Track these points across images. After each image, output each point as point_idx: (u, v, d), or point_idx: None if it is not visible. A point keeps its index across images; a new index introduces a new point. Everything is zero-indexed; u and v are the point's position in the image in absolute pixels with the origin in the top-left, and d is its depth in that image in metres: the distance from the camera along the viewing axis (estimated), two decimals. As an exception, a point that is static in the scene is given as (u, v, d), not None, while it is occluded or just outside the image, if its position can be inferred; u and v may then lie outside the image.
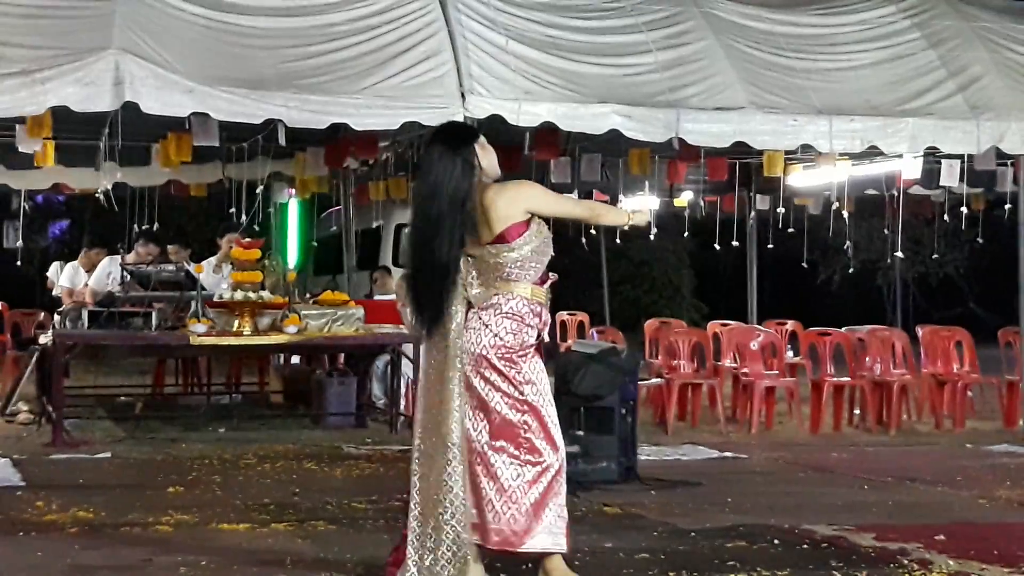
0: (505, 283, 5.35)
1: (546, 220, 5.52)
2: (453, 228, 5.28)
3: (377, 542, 6.45)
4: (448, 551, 5.26)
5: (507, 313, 5.32)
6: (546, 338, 5.45)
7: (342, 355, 12.69)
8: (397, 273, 14.04)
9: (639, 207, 5.89)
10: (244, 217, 13.66)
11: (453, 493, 5.26)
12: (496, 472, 5.30)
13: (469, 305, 5.36)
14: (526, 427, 5.31)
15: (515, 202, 5.34)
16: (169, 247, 13.21)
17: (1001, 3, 12.56)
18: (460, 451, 5.28)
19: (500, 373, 5.30)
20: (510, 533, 5.29)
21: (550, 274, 5.51)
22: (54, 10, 9.80)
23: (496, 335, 5.30)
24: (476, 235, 5.34)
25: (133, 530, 6.74)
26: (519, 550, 5.32)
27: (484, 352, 5.30)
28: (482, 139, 5.47)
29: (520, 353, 5.33)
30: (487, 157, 5.42)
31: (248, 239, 11.61)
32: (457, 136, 5.50)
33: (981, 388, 13.06)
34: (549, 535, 5.32)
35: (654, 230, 15.95)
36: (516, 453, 5.31)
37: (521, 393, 5.32)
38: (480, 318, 5.33)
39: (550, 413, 5.38)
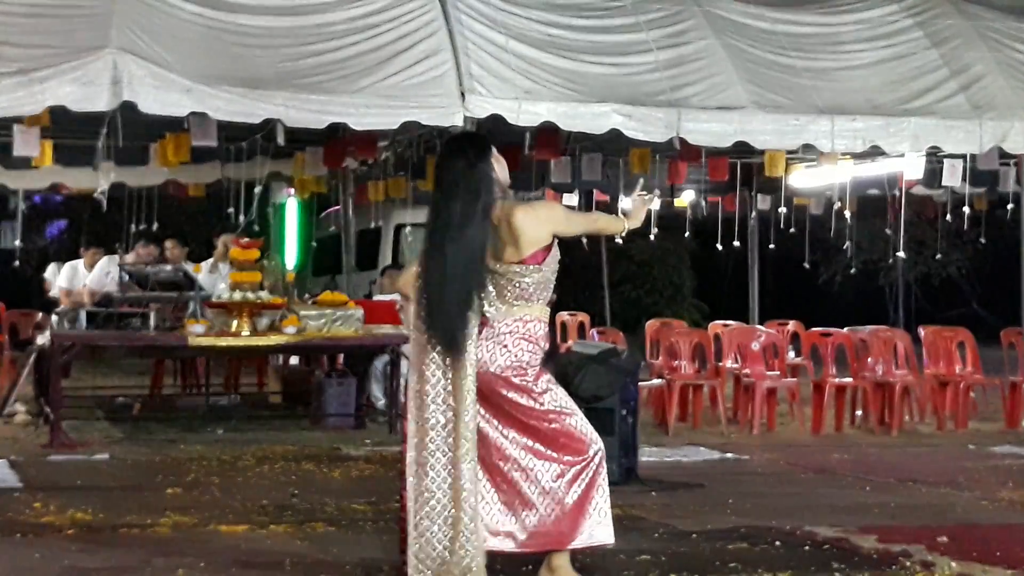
0: (526, 304, 5.34)
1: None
2: (477, 243, 5.21)
3: (376, 543, 6.42)
4: (463, 563, 5.20)
5: (526, 335, 5.31)
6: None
7: (341, 356, 12.65)
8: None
9: (632, 204, 5.75)
10: (243, 217, 13.64)
11: (469, 504, 5.19)
12: (536, 475, 5.29)
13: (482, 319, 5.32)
14: (555, 433, 5.32)
15: (544, 225, 5.33)
16: (167, 242, 13.16)
17: (1004, 2, 12.53)
18: (473, 465, 5.22)
19: (519, 389, 5.29)
20: (558, 533, 5.30)
21: (552, 295, 5.52)
22: (52, 9, 9.78)
23: (514, 356, 5.29)
24: (496, 251, 5.30)
25: (131, 532, 6.71)
26: (569, 547, 5.32)
27: (500, 372, 5.28)
28: (494, 150, 5.43)
29: (533, 367, 5.33)
30: (501, 168, 5.40)
31: (247, 239, 11.58)
32: (475, 147, 5.41)
33: (983, 389, 13.02)
34: (598, 527, 5.34)
35: (654, 230, 15.93)
36: (554, 455, 5.31)
37: (542, 404, 5.32)
38: (497, 337, 5.29)
39: (574, 410, 5.39)
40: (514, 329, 5.30)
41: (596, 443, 5.36)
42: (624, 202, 15.33)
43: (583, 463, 5.31)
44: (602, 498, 5.35)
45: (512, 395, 5.30)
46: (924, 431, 12.09)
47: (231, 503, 7.59)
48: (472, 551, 5.20)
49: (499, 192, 5.34)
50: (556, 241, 5.40)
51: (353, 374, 11.97)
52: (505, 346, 5.29)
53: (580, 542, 5.33)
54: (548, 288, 5.40)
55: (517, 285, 5.32)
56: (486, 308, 5.29)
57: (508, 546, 5.31)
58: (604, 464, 5.38)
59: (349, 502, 7.61)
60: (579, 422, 5.37)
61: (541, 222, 5.33)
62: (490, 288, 5.32)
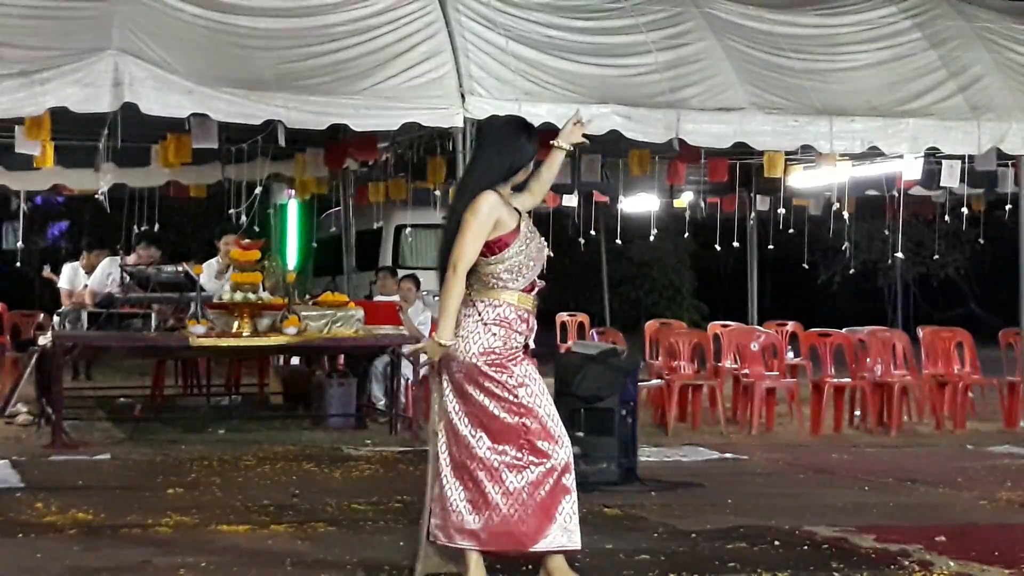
0: (491, 290, 5.36)
1: (545, 225, 5.55)
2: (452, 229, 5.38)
3: (377, 543, 6.44)
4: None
5: (495, 320, 5.33)
6: (532, 344, 5.44)
7: (342, 356, 12.67)
8: (400, 275, 14.02)
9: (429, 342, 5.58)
10: (244, 218, 13.66)
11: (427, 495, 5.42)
12: (501, 476, 5.29)
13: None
14: (525, 429, 5.31)
15: None
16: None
17: (1002, 3, 12.57)
18: (435, 455, 5.39)
19: (492, 380, 5.30)
20: (520, 534, 5.28)
21: (538, 281, 5.50)
22: (53, 11, 9.80)
23: (484, 342, 5.31)
24: None
25: (132, 531, 6.73)
26: (531, 550, 5.30)
27: (474, 360, 5.30)
28: (532, 163, 5.50)
29: (509, 358, 5.33)
30: (521, 175, 5.48)
31: (248, 240, 11.59)
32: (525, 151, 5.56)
33: (982, 389, 13.03)
34: (563, 532, 5.31)
35: (654, 231, 15.95)
36: (519, 455, 5.30)
37: (516, 397, 5.31)
38: (467, 326, 5.34)
39: (549, 412, 5.37)
40: (483, 314, 5.33)
41: (565, 447, 5.34)
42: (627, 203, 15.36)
43: (548, 466, 5.29)
44: (569, 503, 5.32)
45: (487, 384, 5.29)
46: (922, 431, 12.11)
47: (232, 503, 7.61)
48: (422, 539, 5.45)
49: (501, 185, 5.39)
50: (526, 228, 5.38)
51: (354, 375, 12.00)
52: (475, 333, 5.31)
53: (543, 545, 5.29)
54: (522, 275, 5.36)
55: (485, 274, 5.36)
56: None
57: (472, 544, 5.32)
58: (572, 469, 5.35)
59: (350, 502, 7.62)
60: (549, 423, 5.33)
61: None
62: (472, 278, 5.38)
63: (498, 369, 5.29)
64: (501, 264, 5.34)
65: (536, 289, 5.47)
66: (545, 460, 5.30)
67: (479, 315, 5.32)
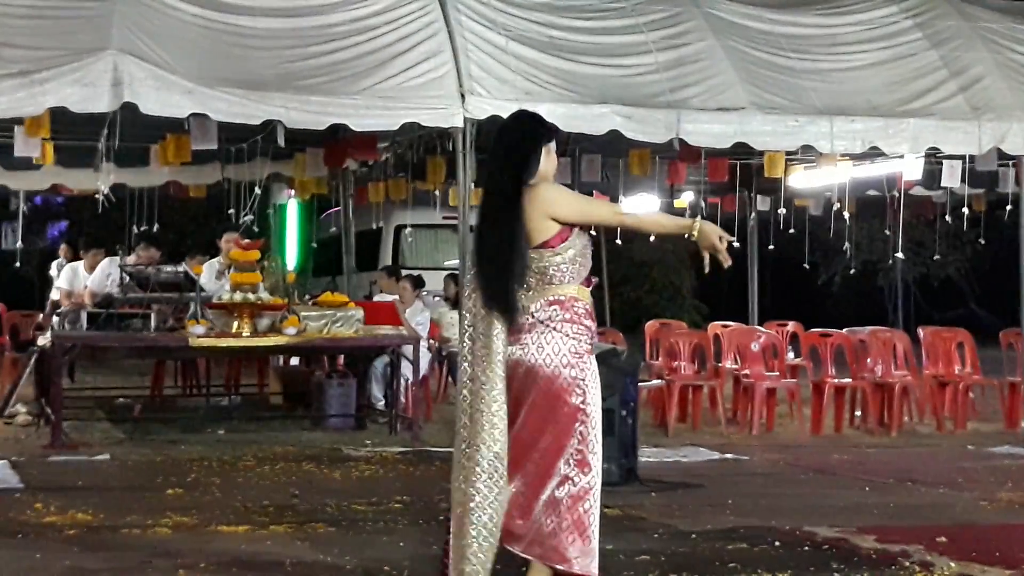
0: (554, 287, 5.06)
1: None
2: (507, 224, 5.06)
3: (377, 544, 6.44)
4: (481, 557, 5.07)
5: (566, 318, 5.04)
6: (595, 341, 5.17)
7: (341, 356, 12.66)
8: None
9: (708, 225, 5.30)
10: (244, 218, 13.64)
11: (490, 503, 5.05)
12: (546, 483, 5.00)
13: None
14: (581, 438, 5.03)
15: (539, 211, 5.06)
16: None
17: (1003, 3, 12.57)
18: (503, 463, 5.05)
19: (571, 387, 5.01)
20: (550, 547, 4.99)
21: (592, 278, 5.22)
22: (53, 11, 9.81)
23: (565, 351, 5.01)
24: (527, 234, 5.08)
25: (132, 532, 6.72)
26: (560, 567, 4.99)
27: (550, 365, 5.00)
28: (552, 144, 5.23)
29: (585, 359, 5.05)
30: (549, 162, 5.18)
31: (247, 240, 11.58)
32: (532, 127, 5.26)
33: (982, 389, 13.03)
34: (592, 557, 5.00)
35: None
36: (567, 468, 5.00)
37: (584, 403, 5.02)
38: (538, 337, 5.02)
39: (598, 426, 5.09)
40: (551, 316, 5.04)
41: (599, 464, 5.08)
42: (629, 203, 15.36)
43: (590, 481, 5.01)
44: (596, 524, 5.03)
45: (555, 386, 4.97)
46: (923, 432, 12.10)
47: (232, 504, 7.60)
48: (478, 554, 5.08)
49: (537, 179, 5.13)
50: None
51: (353, 375, 11.99)
52: (553, 333, 5.02)
53: (575, 567, 4.96)
54: (578, 269, 5.10)
55: (542, 270, 5.07)
56: (521, 298, 5.06)
57: (516, 548, 5.05)
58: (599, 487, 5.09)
59: (350, 503, 7.62)
60: (599, 435, 5.06)
61: (535, 209, 5.06)
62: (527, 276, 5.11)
63: (578, 378, 5.02)
64: (556, 257, 5.06)
65: (591, 285, 5.20)
66: (589, 475, 5.02)
67: (545, 322, 5.03)
